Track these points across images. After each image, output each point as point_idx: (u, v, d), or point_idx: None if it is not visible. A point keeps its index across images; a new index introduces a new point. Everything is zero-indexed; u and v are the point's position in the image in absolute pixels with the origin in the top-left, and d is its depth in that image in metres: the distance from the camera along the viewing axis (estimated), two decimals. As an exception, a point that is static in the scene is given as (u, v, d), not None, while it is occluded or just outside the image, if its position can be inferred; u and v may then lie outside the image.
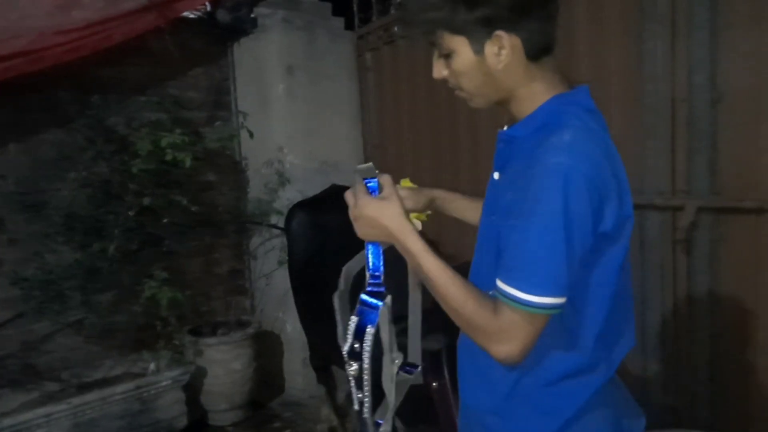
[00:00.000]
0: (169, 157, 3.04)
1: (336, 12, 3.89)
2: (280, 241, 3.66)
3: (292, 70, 3.59)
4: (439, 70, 1.15)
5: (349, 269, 1.36)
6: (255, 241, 3.84)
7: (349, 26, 3.88)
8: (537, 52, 1.10)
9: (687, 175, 2.43)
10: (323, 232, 2.79)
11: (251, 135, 3.44)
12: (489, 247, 1.17)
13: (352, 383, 1.23)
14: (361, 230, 1.17)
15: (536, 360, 1.10)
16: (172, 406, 3.16)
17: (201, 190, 3.53)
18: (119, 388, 2.98)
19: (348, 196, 1.18)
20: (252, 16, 3.62)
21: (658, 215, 2.52)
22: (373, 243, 1.19)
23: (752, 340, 2.42)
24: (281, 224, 3.51)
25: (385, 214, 1.12)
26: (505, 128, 1.21)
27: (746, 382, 2.46)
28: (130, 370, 3.20)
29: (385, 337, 1.21)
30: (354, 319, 1.20)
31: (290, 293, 3.21)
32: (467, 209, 1.46)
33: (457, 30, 1.07)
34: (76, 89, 3.12)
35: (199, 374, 3.35)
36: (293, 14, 3.62)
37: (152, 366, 3.16)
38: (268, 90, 3.64)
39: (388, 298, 1.19)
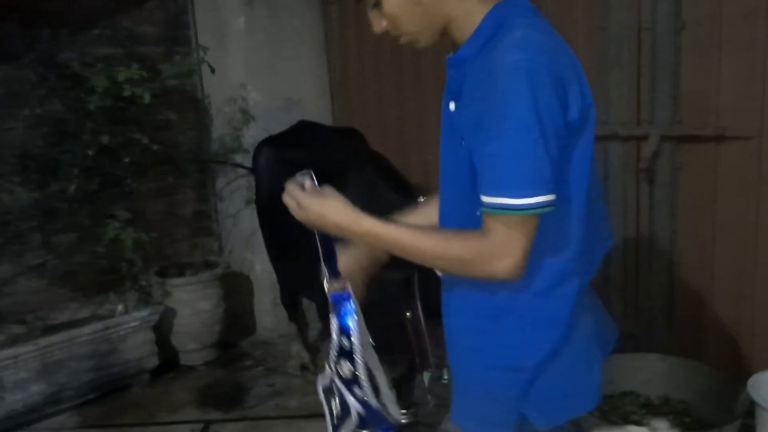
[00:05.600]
0: (127, 93, 2.93)
1: (298, -59, 3.74)
2: (246, 181, 3.60)
3: (251, 3, 3.47)
4: (378, 23, 1.16)
5: None
6: (220, 181, 3.78)
7: (311, -43, 3.73)
8: None
9: (650, 104, 2.45)
10: (291, 168, 2.73)
11: (212, 70, 3.34)
12: (458, 174, 1.14)
13: (345, 388, 1.22)
14: (312, 226, 1.19)
15: (528, 271, 1.06)
16: (141, 347, 3.16)
17: (161, 129, 3.42)
18: (87, 329, 2.96)
19: (287, 198, 1.19)
20: (209, -56, 3.46)
21: (621, 146, 2.55)
22: (324, 236, 1.22)
23: (708, 267, 2.50)
24: (247, 163, 3.45)
25: (328, 209, 1.14)
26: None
27: (701, 309, 2.55)
28: (96, 312, 3.16)
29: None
30: (334, 321, 1.24)
31: (258, 233, 3.19)
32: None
33: None
34: (21, 23, 2.96)
35: (168, 315, 3.33)
36: (252, -57, 3.47)
37: (120, 307, 3.13)
38: (226, 24, 3.51)
39: (348, 284, 1.24)
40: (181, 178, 3.66)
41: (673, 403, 2.39)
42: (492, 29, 1.08)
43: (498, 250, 1.01)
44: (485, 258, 1.02)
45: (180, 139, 3.60)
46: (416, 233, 1.08)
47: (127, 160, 3.15)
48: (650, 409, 2.39)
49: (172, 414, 2.95)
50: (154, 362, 3.23)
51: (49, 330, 2.94)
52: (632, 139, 2.50)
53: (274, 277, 3.27)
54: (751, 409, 2.17)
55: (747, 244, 2.41)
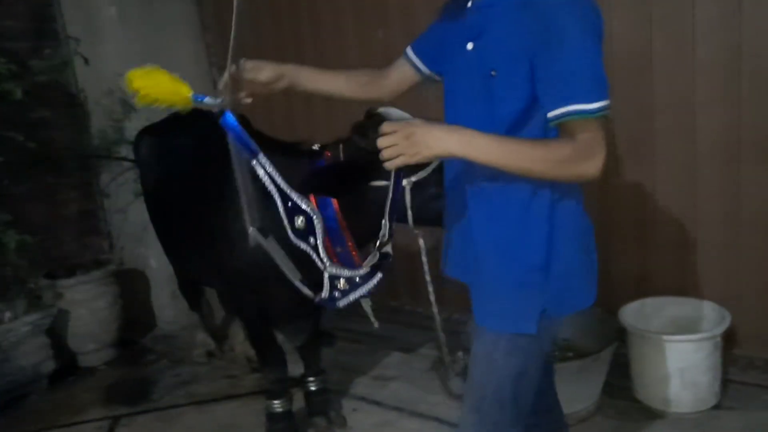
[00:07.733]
0: (-6, 89, 2.80)
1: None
2: (133, 173, 3.52)
3: (122, -9, 3.38)
4: None
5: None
6: (105, 177, 3.67)
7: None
8: None
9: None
10: (175, 154, 2.72)
11: (86, 61, 3.23)
12: (480, 100, 1.27)
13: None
14: (423, 142, 1.18)
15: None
16: (36, 352, 3.04)
17: (36, 126, 3.27)
18: (-27, 339, 2.82)
19: (385, 140, 1.21)
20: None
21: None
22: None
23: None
24: (131, 156, 3.37)
25: (432, 124, 1.20)
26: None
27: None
28: (-19, 322, 3.01)
29: None
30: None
31: (150, 227, 3.12)
32: (320, 80, 1.58)
33: None
34: None
35: (62, 317, 3.22)
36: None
37: (8, 314, 2.99)
38: (97, 14, 3.40)
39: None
40: (62, 177, 3.52)
41: (557, 341, 2.63)
42: None
43: (589, 150, 1.14)
44: (579, 159, 1.14)
45: (58, 136, 3.45)
46: (523, 143, 1.17)
47: (1, 159, 3.00)
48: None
49: (75, 416, 2.87)
50: (50, 366, 3.12)
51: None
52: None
53: (170, 269, 3.22)
54: (622, 336, 2.46)
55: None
